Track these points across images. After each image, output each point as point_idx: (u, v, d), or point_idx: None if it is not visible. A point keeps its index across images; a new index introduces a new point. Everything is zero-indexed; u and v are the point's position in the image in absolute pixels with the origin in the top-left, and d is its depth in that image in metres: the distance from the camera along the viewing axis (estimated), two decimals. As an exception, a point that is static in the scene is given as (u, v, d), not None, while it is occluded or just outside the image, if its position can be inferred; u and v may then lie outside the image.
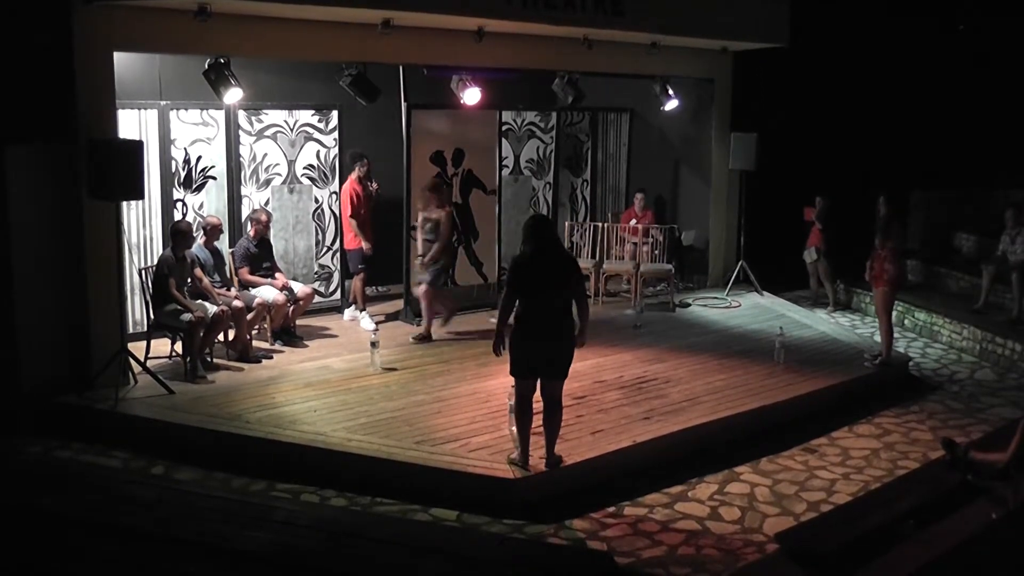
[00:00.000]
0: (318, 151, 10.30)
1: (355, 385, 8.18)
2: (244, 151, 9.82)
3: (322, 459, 6.80)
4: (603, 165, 12.96)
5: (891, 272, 9.00)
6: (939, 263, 12.60)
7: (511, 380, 7.25)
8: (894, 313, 9.57)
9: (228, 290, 8.92)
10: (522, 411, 6.50)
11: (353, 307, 10.24)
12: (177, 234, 8.40)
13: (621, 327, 10.33)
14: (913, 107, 13.60)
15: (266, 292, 9.05)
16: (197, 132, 9.50)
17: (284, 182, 10.15)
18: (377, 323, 9.99)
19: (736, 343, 9.84)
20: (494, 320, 6.77)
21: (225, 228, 9.43)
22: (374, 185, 10.09)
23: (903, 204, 12.85)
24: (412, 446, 6.85)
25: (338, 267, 10.62)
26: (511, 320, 6.43)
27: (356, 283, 10.11)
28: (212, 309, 8.35)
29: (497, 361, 8.69)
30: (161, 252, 8.67)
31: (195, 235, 8.73)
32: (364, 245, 9.84)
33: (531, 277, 6.34)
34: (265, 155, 9.97)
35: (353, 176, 9.95)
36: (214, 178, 9.67)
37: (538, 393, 6.51)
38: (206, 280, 8.60)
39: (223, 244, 9.33)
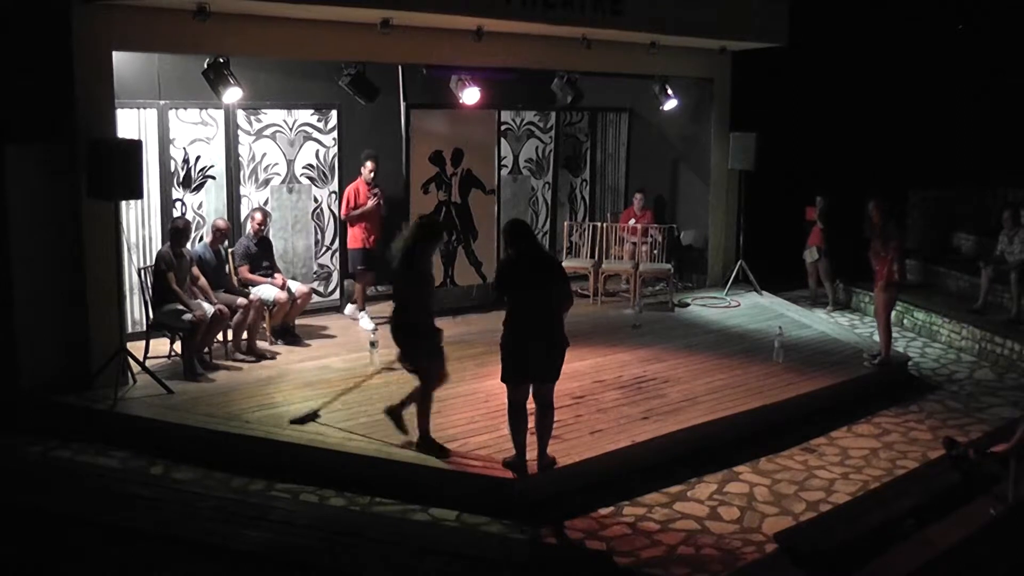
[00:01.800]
0: (317, 151, 10.29)
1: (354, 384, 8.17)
2: (243, 151, 9.81)
3: (321, 459, 6.80)
4: (602, 165, 12.96)
5: (896, 273, 9.00)
6: (938, 263, 12.61)
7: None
8: (893, 313, 9.58)
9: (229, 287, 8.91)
10: (515, 416, 6.48)
11: (354, 306, 10.22)
12: (175, 231, 8.40)
13: (620, 327, 10.32)
14: (911, 106, 13.61)
15: (265, 291, 9.05)
16: (196, 132, 9.50)
17: (283, 182, 10.15)
18: (376, 324, 9.97)
19: (735, 343, 9.84)
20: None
21: (225, 229, 9.43)
22: (378, 199, 9.92)
23: (899, 204, 12.86)
24: (411, 446, 6.84)
25: (337, 266, 10.62)
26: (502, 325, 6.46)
27: (357, 284, 10.08)
28: (210, 309, 8.34)
29: (496, 361, 8.71)
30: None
31: (192, 233, 8.73)
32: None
33: (518, 278, 6.40)
34: (264, 155, 9.97)
35: (361, 176, 9.93)
36: (213, 178, 9.66)
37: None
38: (202, 279, 8.59)
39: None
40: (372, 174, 9.93)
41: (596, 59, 10.76)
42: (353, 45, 9.14)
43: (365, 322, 9.94)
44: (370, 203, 9.91)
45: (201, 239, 9.26)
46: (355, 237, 9.96)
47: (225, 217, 9.42)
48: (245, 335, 8.86)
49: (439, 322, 6.84)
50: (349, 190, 9.91)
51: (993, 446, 6.27)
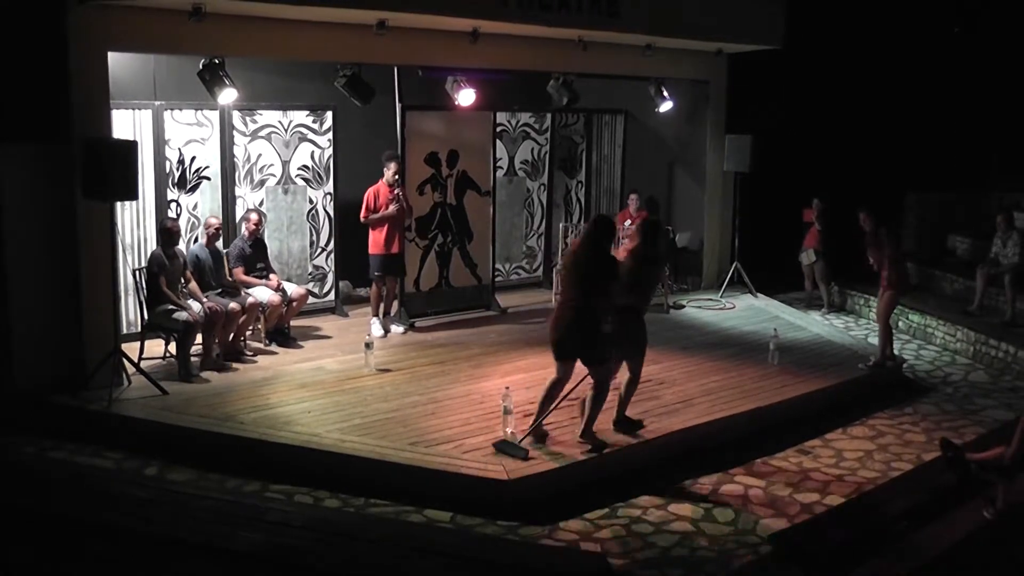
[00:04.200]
0: (312, 152, 10.28)
1: (349, 386, 8.17)
2: (238, 151, 9.80)
3: (316, 460, 6.79)
4: (598, 167, 12.96)
5: (886, 279, 9.04)
6: (933, 265, 12.62)
7: (505, 382, 7.33)
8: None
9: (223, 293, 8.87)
10: (550, 386, 6.93)
11: (377, 320, 9.89)
12: (165, 232, 8.39)
13: (616, 328, 10.30)
14: (907, 109, 13.63)
15: (260, 293, 9.04)
16: (191, 132, 9.49)
17: (278, 183, 10.14)
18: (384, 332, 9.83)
19: (730, 345, 9.85)
20: None
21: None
22: (400, 203, 9.58)
23: (895, 206, 12.88)
24: (406, 447, 6.84)
25: (332, 268, 10.60)
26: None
27: (372, 289, 10.00)
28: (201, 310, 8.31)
29: (491, 363, 8.75)
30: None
31: (183, 234, 8.70)
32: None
33: (566, 267, 7.04)
34: (259, 156, 9.95)
35: (383, 178, 9.67)
36: (208, 178, 9.65)
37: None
38: (193, 283, 8.56)
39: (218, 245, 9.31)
40: (396, 176, 9.62)
41: (592, 61, 10.77)
42: (349, 46, 9.13)
43: (376, 328, 9.74)
44: (391, 208, 9.58)
45: (196, 240, 9.24)
46: (374, 242, 9.68)
47: (218, 215, 9.39)
48: (231, 337, 8.82)
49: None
50: (369, 192, 9.64)
51: (989, 448, 6.28)
